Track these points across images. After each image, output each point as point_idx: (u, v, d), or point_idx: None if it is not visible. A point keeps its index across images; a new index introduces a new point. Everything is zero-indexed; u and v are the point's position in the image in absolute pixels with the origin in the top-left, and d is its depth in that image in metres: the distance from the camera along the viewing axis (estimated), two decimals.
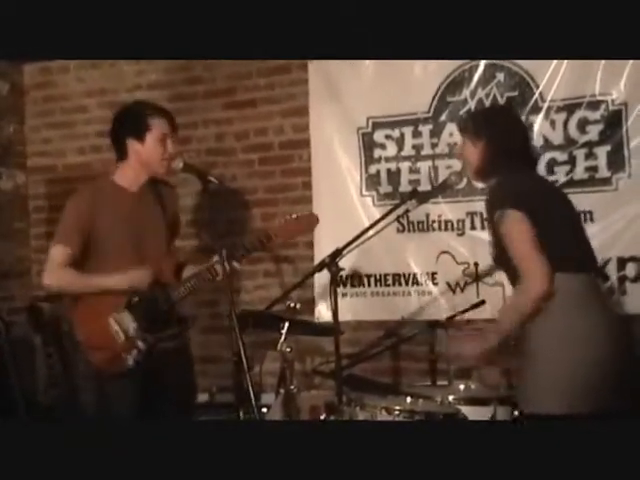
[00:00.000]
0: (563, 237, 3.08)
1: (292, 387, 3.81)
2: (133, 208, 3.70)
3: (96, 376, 3.59)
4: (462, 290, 4.76)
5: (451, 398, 3.67)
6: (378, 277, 4.94)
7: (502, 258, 3.18)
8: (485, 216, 3.26)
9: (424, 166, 4.85)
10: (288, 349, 3.83)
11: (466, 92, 4.75)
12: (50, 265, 3.66)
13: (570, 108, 4.55)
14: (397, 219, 3.77)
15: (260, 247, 3.77)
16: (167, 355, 3.66)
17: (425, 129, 4.85)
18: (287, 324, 3.91)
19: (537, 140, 4.54)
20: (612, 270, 4.42)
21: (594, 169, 4.52)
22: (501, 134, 3.23)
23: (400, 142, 4.91)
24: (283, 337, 3.88)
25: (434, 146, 4.83)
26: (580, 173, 4.54)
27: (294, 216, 3.83)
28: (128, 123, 3.70)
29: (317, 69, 5.01)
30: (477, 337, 3.27)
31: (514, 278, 3.16)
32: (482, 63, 4.70)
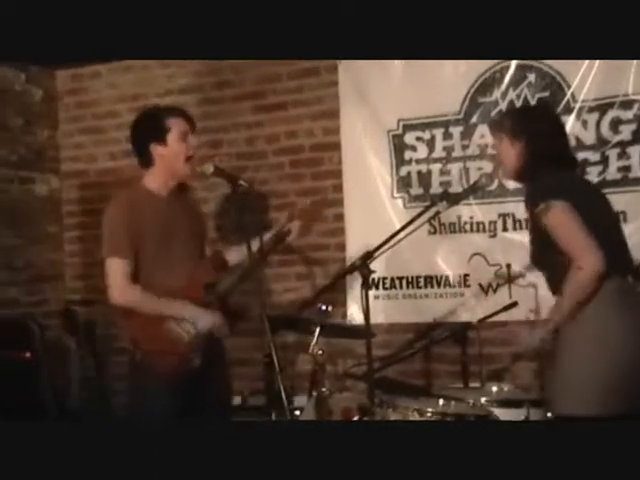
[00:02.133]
0: (601, 238, 3.03)
1: (324, 389, 3.80)
2: (165, 214, 3.69)
3: (163, 380, 3.55)
4: (494, 292, 4.74)
5: (483, 400, 3.66)
6: (410, 279, 4.93)
7: (542, 257, 3.15)
8: (524, 212, 3.22)
9: (455, 168, 4.84)
10: (320, 352, 3.82)
11: (497, 93, 4.73)
12: (114, 281, 3.59)
13: (602, 108, 4.51)
14: (428, 221, 3.76)
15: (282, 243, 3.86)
16: (209, 357, 3.66)
17: (456, 131, 4.83)
18: (319, 327, 3.91)
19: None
20: None
21: (627, 169, 4.49)
22: (541, 134, 3.19)
23: (431, 144, 4.89)
24: (315, 339, 3.88)
25: (465, 148, 4.82)
26: (613, 173, 4.50)
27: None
28: (147, 129, 3.71)
29: (347, 71, 5.01)
30: (534, 325, 3.25)
31: (553, 278, 3.14)
32: (513, 64, 4.68)
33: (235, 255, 3.89)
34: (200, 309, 3.63)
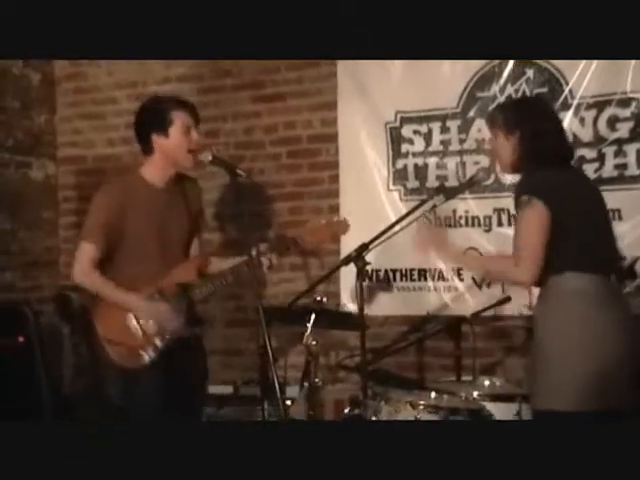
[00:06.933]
0: (586, 237, 3.07)
1: (317, 380, 3.82)
2: (160, 204, 3.69)
3: (114, 369, 3.61)
4: (488, 286, 4.75)
5: (476, 394, 3.67)
6: (404, 272, 4.94)
7: None
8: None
9: (452, 162, 4.85)
10: (313, 342, 3.84)
11: (495, 88, 4.74)
12: (79, 263, 3.67)
13: (600, 105, 4.52)
14: (424, 214, 3.77)
15: (286, 252, 3.79)
16: (182, 344, 3.66)
17: (453, 124, 4.84)
18: (313, 316, 3.91)
19: None
20: None
21: (623, 167, 4.50)
22: (535, 128, 3.19)
23: (428, 137, 4.90)
24: (309, 330, 3.89)
25: (462, 142, 4.82)
26: (609, 171, 4.52)
27: (323, 222, 3.90)
28: (151, 118, 3.68)
29: (346, 64, 5.01)
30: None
31: None
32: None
33: (216, 265, 3.85)
34: (148, 302, 3.63)
